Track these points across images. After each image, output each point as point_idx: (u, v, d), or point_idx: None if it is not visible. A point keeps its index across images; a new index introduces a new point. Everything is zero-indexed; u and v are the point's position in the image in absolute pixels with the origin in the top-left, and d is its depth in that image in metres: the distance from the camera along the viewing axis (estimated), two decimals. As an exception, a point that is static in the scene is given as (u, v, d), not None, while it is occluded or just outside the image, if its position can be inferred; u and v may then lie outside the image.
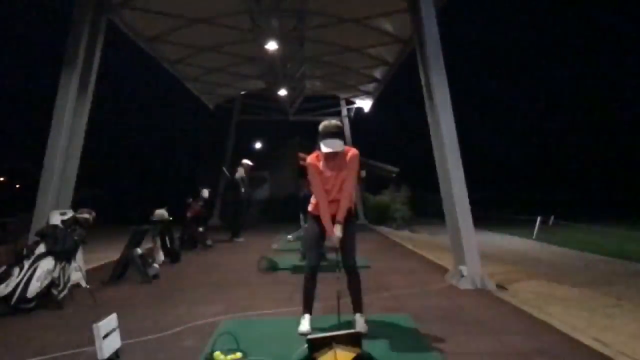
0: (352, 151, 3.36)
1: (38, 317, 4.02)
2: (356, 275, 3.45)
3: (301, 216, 6.92)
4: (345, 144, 3.32)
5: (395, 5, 7.82)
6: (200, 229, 8.90)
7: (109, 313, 2.93)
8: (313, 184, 3.40)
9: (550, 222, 14.72)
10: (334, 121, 3.31)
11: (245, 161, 9.78)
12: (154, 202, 7.86)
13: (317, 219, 3.45)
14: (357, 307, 3.45)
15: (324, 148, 3.19)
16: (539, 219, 13.64)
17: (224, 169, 9.67)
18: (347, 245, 3.43)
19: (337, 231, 3.30)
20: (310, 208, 3.54)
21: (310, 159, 3.39)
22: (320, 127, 3.27)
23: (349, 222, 3.45)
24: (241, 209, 9.83)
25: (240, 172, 9.67)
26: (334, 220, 3.36)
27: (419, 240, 10.97)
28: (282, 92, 13.01)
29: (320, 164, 3.35)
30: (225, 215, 10.95)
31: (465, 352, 3.05)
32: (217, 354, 2.84)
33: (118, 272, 5.53)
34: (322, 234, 3.45)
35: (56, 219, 4.91)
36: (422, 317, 3.83)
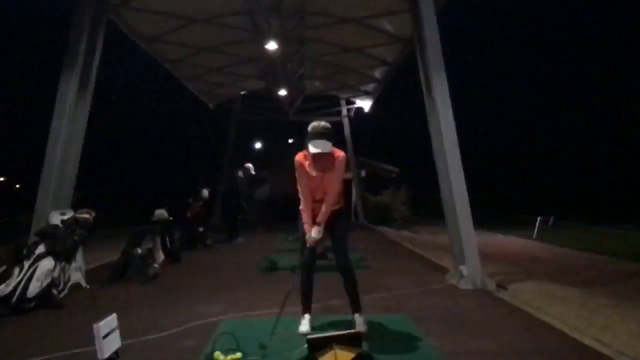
0: (340, 154, 3.37)
1: (38, 317, 4.02)
2: (351, 275, 3.45)
3: None
4: (334, 145, 3.32)
5: (395, 5, 7.82)
6: (200, 229, 8.91)
7: (109, 313, 2.93)
8: (299, 182, 3.43)
9: (550, 222, 14.68)
10: (322, 122, 3.33)
11: (248, 165, 9.81)
12: (154, 202, 7.86)
13: None
14: (356, 307, 3.45)
15: (312, 149, 3.22)
16: (539, 219, 13.62)
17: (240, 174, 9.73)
18: (338, 244, 3.47)
19: (314, 232, 3.31)
20: (301, 207, 3.56)
21: (298, 157, 3.42)
22: (309, 127, 3.29)
23: (340, 220, 3.48)
24: (238, 210, 9.84)
25: (239, 174, 9.70)
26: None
27: (419, 240, 10.96)
28: (282, 92, 13.00)
29: (307, 164, 3.38)
30: (226, 215, 10.96)
31: (465, 352, 3.05)
32: (217, 354, 2.84)
33: (118, 272, 5.53)
34: None
35: (56, 219, 4.91)
36: (422, 317, 3.83)
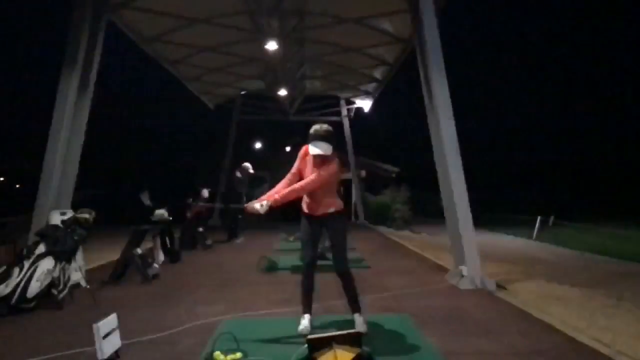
0: (334, 160, 3.37)
1: (38, 317, 4.02)
2: (349, 278, 3.46)
3: None
4: (334, 149, 3.34)
5: (395, 5, 7.82)
6: (200, 229, 8.91)
7: (109, 313, 2.93)
8: (293, 167, 3.50)
9: (550, 222, 14.69)
10: (325, 126, 3.37)
11: (246, 165, 9.80)
12: (154, 202, 7.85)
13: (308, 217, 3.49)
14: (355, 308, 3.46)
15: (312, 150, 3.29)
16: (539, 219, 13.62)
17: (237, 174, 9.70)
18: (336, 248, 3.47)
19: (258, 205, 3.29)
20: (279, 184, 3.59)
21: (304, 148, 3.49)
22: (312, 130, 3.35)
23: (338, 223, 3.47)
24: (238, 210, 9.82)
25: (237, 174, 9.69)
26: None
27: (419, 240, 10.96)
28: (282, 92, 13.00)
29: (307, 159, 3.45)
30: (225, 215, 10.97)
31: (465, 352, 3.05)
32: (217, 354, 2.84)
33: (118, 272, 5.52)
34: (315, 232, 3.49)
35: (56, 219, 4.91)
36: (422, 317, 3.83)
